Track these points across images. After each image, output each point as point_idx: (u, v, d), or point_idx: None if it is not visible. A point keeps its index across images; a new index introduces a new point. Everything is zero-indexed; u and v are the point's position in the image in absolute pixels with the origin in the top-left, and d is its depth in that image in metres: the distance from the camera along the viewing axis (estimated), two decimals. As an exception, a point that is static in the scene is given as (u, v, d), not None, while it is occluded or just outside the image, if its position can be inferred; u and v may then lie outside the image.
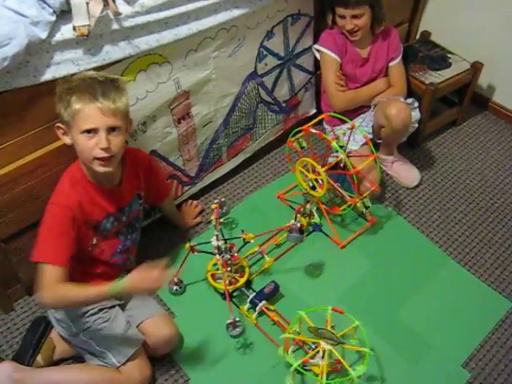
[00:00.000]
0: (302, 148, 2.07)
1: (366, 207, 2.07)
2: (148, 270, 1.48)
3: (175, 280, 1.93)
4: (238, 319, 1.81)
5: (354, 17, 2.09)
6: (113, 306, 1.70)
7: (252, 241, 1.93)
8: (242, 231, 1.95)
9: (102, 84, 1.47)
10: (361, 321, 1.68)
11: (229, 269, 1.88)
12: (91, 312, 1.64)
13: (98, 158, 1.49)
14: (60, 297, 1.49)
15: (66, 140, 1.53)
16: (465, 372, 1.79)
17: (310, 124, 2.05)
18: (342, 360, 1.60)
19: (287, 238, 1.94)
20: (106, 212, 1.63)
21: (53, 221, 1.53)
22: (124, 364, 1.63)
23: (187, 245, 1.92)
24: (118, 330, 1.66)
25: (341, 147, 1.96)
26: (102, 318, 1.66)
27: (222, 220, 2.04)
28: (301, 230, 1.89)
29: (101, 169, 1.51)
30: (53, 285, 1.47)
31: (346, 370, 1.60)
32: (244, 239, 1.92)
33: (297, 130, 2.06)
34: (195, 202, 2.24)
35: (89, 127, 1.44)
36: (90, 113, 1.43)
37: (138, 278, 1.48)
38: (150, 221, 2.10)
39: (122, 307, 1.74)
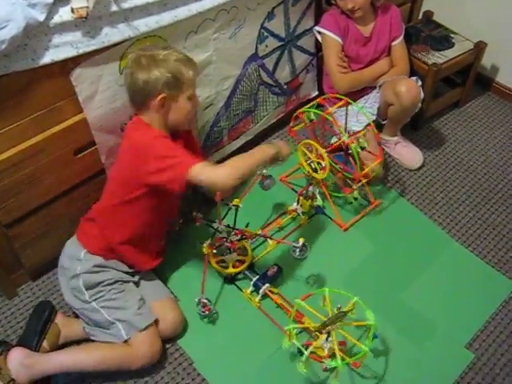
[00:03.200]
0: (310, 121, 2.04)
1: (355, 198, 2.06)
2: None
3: (203, 300, 1.81)
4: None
5: None
6: (127, 281, 1.74)
7: (250, 240, 1.94)
8: (247, 225, 1.93)
9: None
10: (364, 303, 1.67)
11: (237, 246, 1.88)
12: (107, 282, 1.68)
13: None
14: (235, 166, 1.56)
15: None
16: (468, 353, 1.79)
17: (334, 107, 2.02)
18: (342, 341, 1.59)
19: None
20: None
21: (163, 144, 1.57)
22: (133, 338, 1.64)
23: (204, 247, 1.82)
24: (130, 302, 1.69)
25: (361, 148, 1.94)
26: (118, 288, 1.70)
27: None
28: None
29: None
30: (210, 166, 1.54)
31: (349, 352, 1.61)
32: (243, 235, 1.90)
33: (312, 103, 2.02)
34: None
35: None
36: None
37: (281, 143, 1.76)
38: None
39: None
